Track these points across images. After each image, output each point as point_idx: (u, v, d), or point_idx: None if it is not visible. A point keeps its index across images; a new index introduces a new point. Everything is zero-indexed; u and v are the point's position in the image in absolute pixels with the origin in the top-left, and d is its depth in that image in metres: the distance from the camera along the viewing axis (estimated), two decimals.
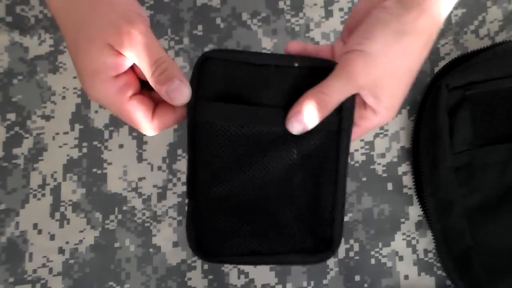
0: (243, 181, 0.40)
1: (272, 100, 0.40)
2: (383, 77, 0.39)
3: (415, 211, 0.56)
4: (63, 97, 0.59)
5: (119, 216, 0.56)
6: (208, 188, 0.40)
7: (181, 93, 0.37)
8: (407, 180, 0.57)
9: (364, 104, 0.41)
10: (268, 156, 0.40)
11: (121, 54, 0.37)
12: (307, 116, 0.38)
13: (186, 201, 0.56)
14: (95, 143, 0.58)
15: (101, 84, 0.37)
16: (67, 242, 0.56)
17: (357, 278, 0.55)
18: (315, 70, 0.40)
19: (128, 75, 0.38)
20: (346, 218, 0.56)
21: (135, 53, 0.36)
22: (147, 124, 0.38)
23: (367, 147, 0.57)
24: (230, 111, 0.39)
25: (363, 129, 0.43)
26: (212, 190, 0.40)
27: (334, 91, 0.39)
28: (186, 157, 0.57)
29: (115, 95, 0.37)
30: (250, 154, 0.40)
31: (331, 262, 0.55)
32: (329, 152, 0.41)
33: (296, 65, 0.40)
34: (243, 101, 0.39)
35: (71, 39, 0.38)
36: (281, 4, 0.61)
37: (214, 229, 0.41)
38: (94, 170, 0.57)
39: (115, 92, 0.37)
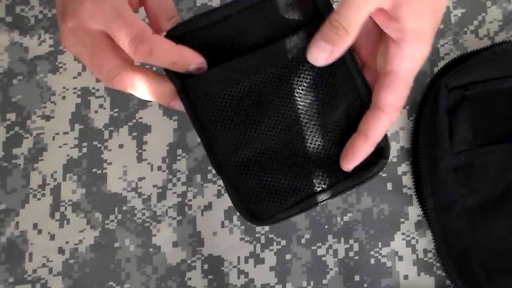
0: (261, 135, 0.39)
1: (254, 44, 0.38)
2: None
3: (414, 211, 0.56)
4: (63, 97, 0.59)
5: (119, 216, 0.56)
6: (231, 158, 0.39)
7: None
8: (407, 180, 0.57)
9: (384, 42, 0.37)
10: (276, 100, 0.38)
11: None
12: (328, 40, 0.35)
13: (186, 200, 0.56)
14: (95, 143, 0.58)
15: None
16: (67, 242, 0.56)
17: (357, 278, 0.55)
18: None
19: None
20: (345, 218, 0.56)
21: None
22: (149, 31, 0.35)
23: None
24: (217, 75, 0.38)
25: (399, 74, 0.37)
26: (236, 158, 0.39)
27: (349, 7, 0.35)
28: (187, 157, 0.57)
29: (123, 2, 0.35)
30: (258, 106, 0.38)
31: (331, 262, 0.55)
32: (335, 67, 0.38)
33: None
34: (227, 59, 0.38)
35: None
36: None
37: (257, 192, 0.40)
38: (94, 170, 0.57)
39: (124, 0, 0.36)
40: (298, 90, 0.38)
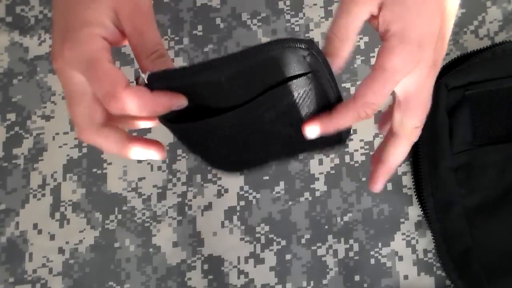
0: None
1: (233, 105, 0.37)
2: None
3: (414, 211, 0.56)
4: (63, 97, 0.59)
5: (119, 216, 0.56)
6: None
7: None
8: (407, 180, 0.57)
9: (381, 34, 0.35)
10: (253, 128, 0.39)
11: (119, 28, 0.36)
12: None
13: (186, 200, 0.56)
14: None
15: (88, 35, 0.35)
16: (67, 242, 0.56)
17: (357, 278, 0.55)
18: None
19: (110, 46, 0.37)
20: (345, 218, 0.56)
21: (139, 29, 0.36)
22: (122, 86, 0.34)
23: (366, 147, 0.57)
24: (196, 125, 0.38)
25: (382, 69, 0.34)
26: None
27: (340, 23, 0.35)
28: (186, 157, 0.57)
29: (98, 51, 0.35)
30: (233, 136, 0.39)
31: (331, 262, 0.55)
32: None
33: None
34: (203, 110, 0.37)
35: None
36: (281, 4, 0.61)
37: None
38: (94, 170, 0.57)
39: (99, 48, 0.35)
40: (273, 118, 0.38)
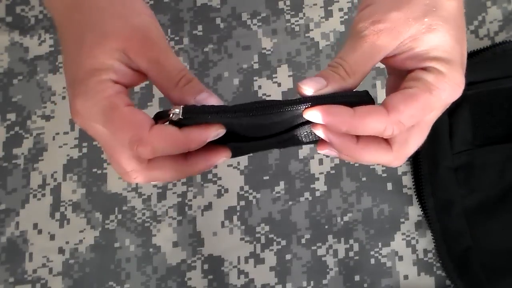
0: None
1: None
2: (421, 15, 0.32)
3: (414, 211, 0.56)
4: (63, 97, 0.59)
5: (119, 216, 0.56)
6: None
7: (215, 101, 0.34)
8: (407, 180, 0.57)
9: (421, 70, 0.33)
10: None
11: (133, 68, 0.34)
12: (325, 76, 0.33)
13: (186, 200, 0.56)
14: (95, 143, 0.58)
15: (96, 83, 0.32)
16: (67, 242, 0.56)
17: (357, 278, 0.55)
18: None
19: (125, 89, 0.34)
20: (345, 218, 0.56)
21: (157, 61, 0.33)
22: (146, 130, 0.32)
23: None
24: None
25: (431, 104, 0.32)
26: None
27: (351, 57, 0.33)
28: None
29: (111, 97, 0.32)
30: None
31: (331, 262, 0.55)
32: None
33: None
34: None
35: (75, 36, 0.33)
36: (281, 4, 0.61)
37: None
38: (94, 170, 0.57)
39: (112, 94, 0.32)
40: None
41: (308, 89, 0.33)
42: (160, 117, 0.34)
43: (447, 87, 0.32)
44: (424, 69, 0.33)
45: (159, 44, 0.34)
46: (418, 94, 0.32)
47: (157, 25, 0.35)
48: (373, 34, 0.32)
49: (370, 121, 0.32)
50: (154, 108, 0.59)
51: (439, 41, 0.33)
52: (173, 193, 0.57)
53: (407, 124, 0.32)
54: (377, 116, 0.32)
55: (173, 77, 0.33)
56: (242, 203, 0.56)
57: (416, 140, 0.34)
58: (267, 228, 0.56)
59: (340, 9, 0.61)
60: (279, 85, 0.59)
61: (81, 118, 0.33)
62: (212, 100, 0.34)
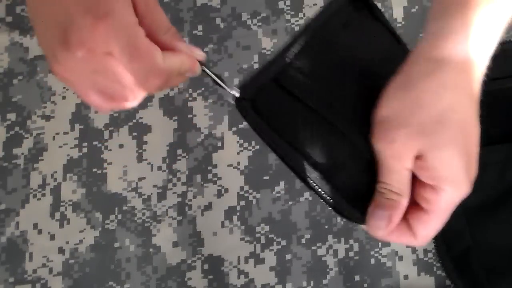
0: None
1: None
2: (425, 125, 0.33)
3: None
4: (63, 97, 0.59)
5: (119, 216, 0.56)
6: None
7: (198, 51, 0.36)
8: None
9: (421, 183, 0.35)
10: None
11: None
12: (383, 207, 0.36)
13: (186, 200, 0.56)
14: (95, 143, 0.58)
15: (124, 8, 0.33)
16: (67, 242, 0.56)
17: (357, 278, 0.55)
18: None
19: None
20: None
21: (153, 10, 0.36)
22: (161, 59, 0.34)
23: None
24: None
25: (435, 213, 0.35)
26: None
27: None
28: (187, 157, 0.57)
29: (135, 25, 0.33)
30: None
31: (331, 262, 0.55)
32: None
33: None
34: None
35: None
36: (281, 4, 0.61)
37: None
38: (94, 170, 0.57)
39: (135, 23, 0.33)
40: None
41: (378, 231, 0.36)
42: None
43: (454, 199, 0.35)
44: (433, 187, 0.34)
45: None
46: (431, 217, 0.35)
47: None
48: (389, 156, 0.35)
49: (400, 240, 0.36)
50: (154, 108, 0.59)
51: (446, 160, 0.34)
52: (173, 193, 0.57)
53: (428, 238, 0.36)
54: (407, 240, 0.36)
55: (166, 24, 0.36)
56: (242, 203, 0.56)
57: (434, 227, 0.36)
58: (267, 228, 0.56)
59: None
60: None
61: (88, 45, 0.32)
62: (196, 49, 0.36)
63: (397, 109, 0.34)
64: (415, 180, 0.35)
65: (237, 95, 0.35)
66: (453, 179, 0.35)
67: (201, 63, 0.37)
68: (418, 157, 0.34)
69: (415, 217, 0.36)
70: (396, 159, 0.34)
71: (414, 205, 0.36)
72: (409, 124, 0.34)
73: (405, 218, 0.36)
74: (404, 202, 0.35)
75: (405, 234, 0.36)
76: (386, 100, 0.35)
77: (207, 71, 0.37)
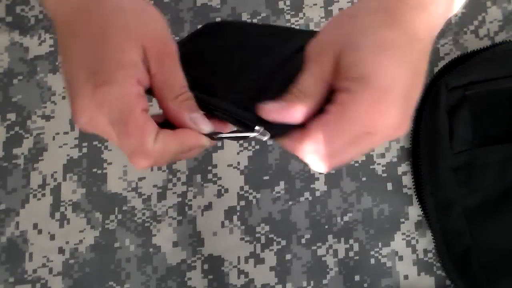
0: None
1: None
2: (357, 33, 0.32)
3: (414, 211, 0.56)
4: (63, 97, 0.59)
5: (119, 216, 0.56)
6: None
7: (205, 125, 0.34)
8: (407, 180, 0.57)
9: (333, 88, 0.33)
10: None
11: (147, 68, 0.34)
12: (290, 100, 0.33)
13: (186, 200, 0.56)
14: (95, 143, 0.58)
15: (124, 79, 0.32)
16: (67, 242, 0.56)
17: (357, 278, 0.55)
18: None
19: (144, 91, 0.34)
20: (345, 218, 0.56)
21: (167, 69, 0.34)
22: (151, 141, 0.32)
23: None
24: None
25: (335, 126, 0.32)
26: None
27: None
28: None
29: (132, 98, 0.32)
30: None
31: (331, 262, 0.55)
32: None
33: None
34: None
35: (93, 31, 0.33)
36: (281, 4, 0.61)
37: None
38: (94, 170, 0.57)
39: (134, 95, 0.32)
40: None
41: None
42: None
43: (361, 110, 0.31)
44: (341, 89, 0.32)
45: (174, 54, 0.35)
46: (330, 118, 0.32)
47: (172, 37, 0.36)
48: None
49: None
50: (154, 108, 0.58)
51: (363, 59, 0.32)
52: (173, 193, 0.57)
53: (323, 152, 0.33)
54: (295, 145, 0.34)
55: (176, 90, 0.34)
56: (242, 203, 0.56)
57: (329, 134, 0.33)
58: (267, 228, 0.56)
59: (340, 9, 0.61)
60: None
61: (92, 111, 0.32)
62: (203, 123, 0.34)
63: (338, 31, 0.33)
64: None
65: (265, 138, 0.34)
66: (366, 81, 0.31)
67: (212, 134, 0.35)
68: (337, 65, 0.32)
69: (316, 118, 0.33)
70: (315, 54, 0.33)
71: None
72: (342, 34, 0.32)
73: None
74: (308, 102, 0.32)
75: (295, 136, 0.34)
76: (327, 27, 0.34)
77: (223, 135, 0.35)
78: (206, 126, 0.34)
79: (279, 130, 0.34)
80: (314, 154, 0.33)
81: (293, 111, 0.33)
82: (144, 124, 0.32)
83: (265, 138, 0.34)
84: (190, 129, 0.34)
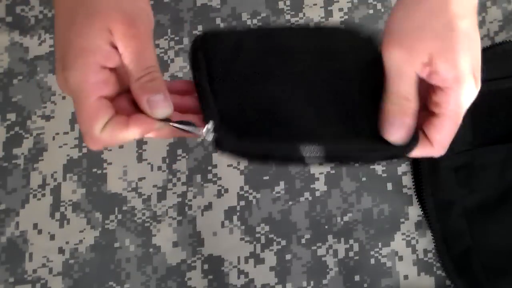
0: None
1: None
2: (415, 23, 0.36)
3: (414, 211, 0.56)
4: (63, 97, 0.59)
5: (119, 216, 0.56)
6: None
7: (162, 108, 0.35)
8: (407, 180, 0.57)
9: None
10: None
11: (115, 48, 0.35)
12: (398, 114, 0.37)
13: (186, 200, 0.56)
14: None
15: (84, 66, 0.34)
16: (67, 242, 0.56)
17: (357, 278, 0.55)
18: None
19: (111, 75, 0.35)
20: (345, 218, 0.56)
21: (132, 50, 0.35)
22: (98, 129, 0.34)
23: None
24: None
25: (447, 116, 0.37)
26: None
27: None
28: (187, 157, 0.57)
29: (88, 86, 0.34)
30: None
31: (331, 262, 0.55)
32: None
33: None
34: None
35: (68, 7, 0.35)
36: (281, 4, 0.61)
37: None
38: (94, 170, 0.57)
39: (91, 82, 0.34)
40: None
41: (399, 137, 0.38)
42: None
43: (462, 98, 0.37)
44: (442, 89, 0.36)
45: (142, 34, 0.35)
46: (443, 120, 0.37)
47: (148, 17, 0.36)
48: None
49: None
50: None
51: (454, 61, 0.36)
52: (173, 193, 0.57)
53: (447, 141, 0.38)
54: (425, 150, 0.38)
55: (139, 71, 0.35)
56: (242, 203, 0.56)
57: (448, 130, 0.38)
58: (267, 228, 0.56)
59: (340, 9, 0.61)
60: None
61: (67, 88, 0.35)
62: (166, 105, 0.35)
63: (410, 17, 0.36)
64: (425, 91, 0.37)
65: (209, 139, 0.36)
66: (460, 78, 0.36)
67: (166, 119, 0.35)
68: (427, 63, 0.36)
69: (429, 123, 0.38)
70: (407, 62, 0.36)
71: (427, 115, 0.38)
72: (422, 29, 0.36)
73: (420, 129, 0.38)
74: (414, 106, 0.37)
75: (423, 143, 0.38)
76: (397, 12, 0.37)
77: (174, 125, 0.36)
78: (162, 109, 0.35)
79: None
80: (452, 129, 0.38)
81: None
82: (95, 111, 0.34)
83: (209, 139, 0.36)
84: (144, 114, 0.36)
